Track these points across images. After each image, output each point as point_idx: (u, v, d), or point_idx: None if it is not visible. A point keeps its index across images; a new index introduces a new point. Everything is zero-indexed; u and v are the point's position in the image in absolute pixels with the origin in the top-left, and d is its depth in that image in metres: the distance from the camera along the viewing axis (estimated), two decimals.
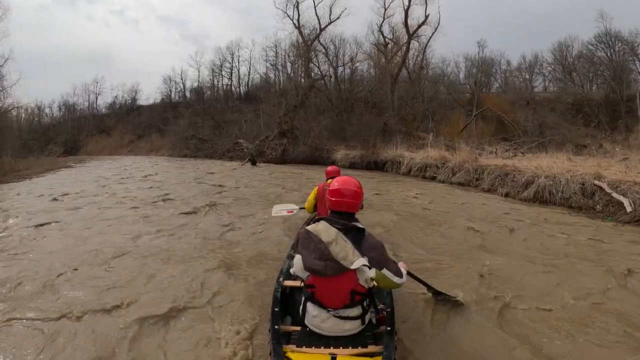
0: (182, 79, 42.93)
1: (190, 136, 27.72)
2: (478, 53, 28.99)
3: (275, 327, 1.79)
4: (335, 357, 1.56)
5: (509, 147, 14.61)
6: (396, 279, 1.73)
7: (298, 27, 24.38)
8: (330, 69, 24.96)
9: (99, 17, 76.70)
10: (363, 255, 1.65)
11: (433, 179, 11.28)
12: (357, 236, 1.71)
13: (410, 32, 20.57)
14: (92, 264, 3.56)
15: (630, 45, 21.90)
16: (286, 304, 2.11)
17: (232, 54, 39.70)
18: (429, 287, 2.55)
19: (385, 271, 1.69)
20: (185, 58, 79.46)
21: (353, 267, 1.62)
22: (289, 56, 29.57)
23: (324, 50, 25.53)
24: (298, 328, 1.85)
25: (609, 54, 23.01)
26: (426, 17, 20.10)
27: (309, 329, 1.77)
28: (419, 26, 20.37)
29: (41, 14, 72.43)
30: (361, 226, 1.77)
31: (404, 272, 1.83)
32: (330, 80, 25.36)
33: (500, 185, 8.74)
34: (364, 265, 1.63)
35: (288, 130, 19.78)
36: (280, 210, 4.15)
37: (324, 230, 1.72)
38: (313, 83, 22.12)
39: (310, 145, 17.47)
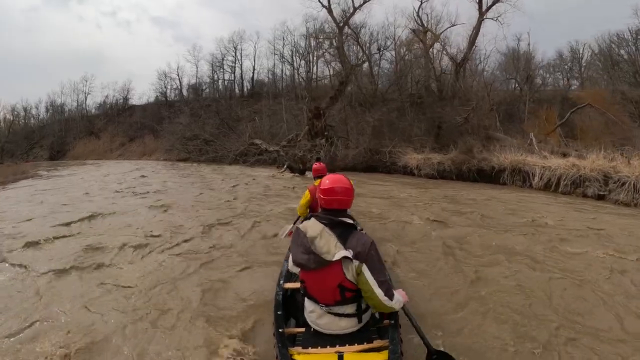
0: (178, 75, 38.06)
1: (192, 137, 23.04)
2: (528, 45, 24.81)
3: (280, 330, 1.73)
4: (342, 355, 1.51)
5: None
6: (376, 288, 1.56)
7: (328, 6, 20.09)
8: (364, 56, 20.72)
9: (90, 18, 72.73)
10: (348, 249, 1.57)
11: (600, 198, 7.57)
12: (345, 231, 1.65)
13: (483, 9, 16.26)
14: None
15: None
16: (288, 306, 2.00)
17: (235, 47, 35.22)
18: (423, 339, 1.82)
19: (364, 267, 1.56)
20: (183, 53, 74.34)
21: (334, 259, 1.56)
22: (318, 41, 24.84)
23: (354, 35, 21.32)
24: (302, 329, 1.79)
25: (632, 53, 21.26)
26: None
27: (313, 329, 1.72)
28: (494, 2, 16.09)
29: (31, 14, 68.33)
30: (350, 222, 1.71)
31: (399, 297, 1.67)
32: (361, 69, 21.01)
33: None
34: (346, 257, 1.55)
35: (322, 128, 15.20)
36: (284, 233, 3.87)
37: (311, 226, 1.71)
38: (351, 70, 17.47)
39: (365, 148, 12.82)
